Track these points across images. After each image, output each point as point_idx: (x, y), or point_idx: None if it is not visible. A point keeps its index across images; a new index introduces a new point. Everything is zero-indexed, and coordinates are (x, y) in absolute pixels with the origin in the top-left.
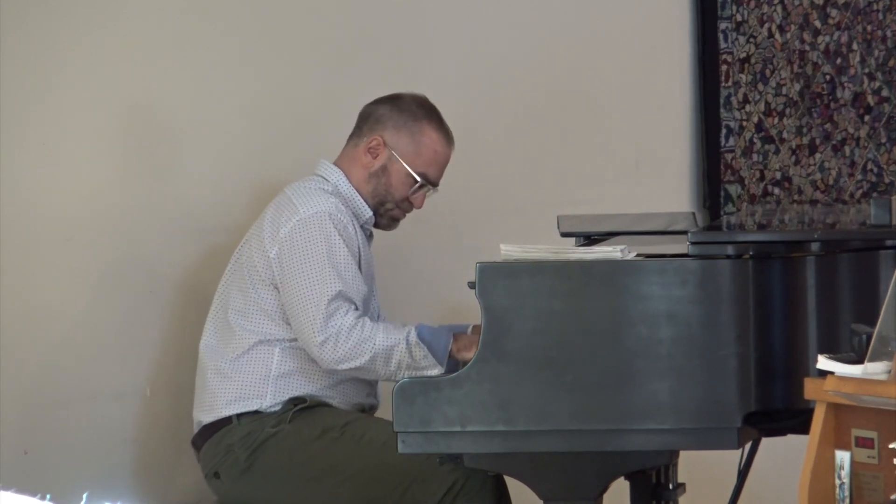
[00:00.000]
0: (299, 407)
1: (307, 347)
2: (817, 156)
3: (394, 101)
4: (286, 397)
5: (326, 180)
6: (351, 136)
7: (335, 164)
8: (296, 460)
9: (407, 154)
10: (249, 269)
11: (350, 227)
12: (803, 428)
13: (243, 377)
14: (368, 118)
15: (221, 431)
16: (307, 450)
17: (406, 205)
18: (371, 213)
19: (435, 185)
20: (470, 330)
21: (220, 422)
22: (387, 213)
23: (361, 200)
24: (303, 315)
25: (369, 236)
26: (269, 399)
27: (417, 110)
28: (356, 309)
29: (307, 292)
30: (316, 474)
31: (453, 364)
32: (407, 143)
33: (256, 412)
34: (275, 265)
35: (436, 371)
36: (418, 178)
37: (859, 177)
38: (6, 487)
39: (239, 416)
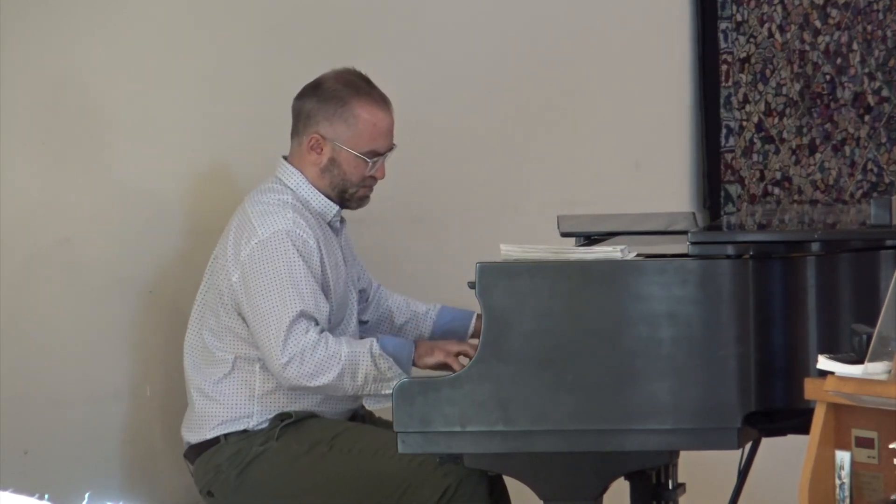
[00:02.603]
0: (286, 423)
1: (272, 370)
2: (817, 156)
3: (316, 91)
4: (273, 414)
5: (287, 186)
6: (292, 136)
7: (290, 162)
8: (286, 476)
9: (348, 140)
10: (218, 293)
11: (311, 240)
12: (803, 428)
13: (229, 399)
14: (300, 116)
15: (210, 451)
16: (297, 465)
17: (369, 181)
18: (337, 208)
19: (389, 150)
20: (474, 319)
21: (207, 442)
22: (353, 196)
23: (324, 198)
24: (265, 336)
25: (340, 222)
26: (255, 418)
27: (342, 92)
28: (316, 324)
29: (268, 314)
30: (308, 488)
31: None
32: (343, 130)
33: (244, 431)
34: (237, 289)
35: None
36: (368, 159)
37: (859, 177)
38: (6, 487)
39: (226, 435)
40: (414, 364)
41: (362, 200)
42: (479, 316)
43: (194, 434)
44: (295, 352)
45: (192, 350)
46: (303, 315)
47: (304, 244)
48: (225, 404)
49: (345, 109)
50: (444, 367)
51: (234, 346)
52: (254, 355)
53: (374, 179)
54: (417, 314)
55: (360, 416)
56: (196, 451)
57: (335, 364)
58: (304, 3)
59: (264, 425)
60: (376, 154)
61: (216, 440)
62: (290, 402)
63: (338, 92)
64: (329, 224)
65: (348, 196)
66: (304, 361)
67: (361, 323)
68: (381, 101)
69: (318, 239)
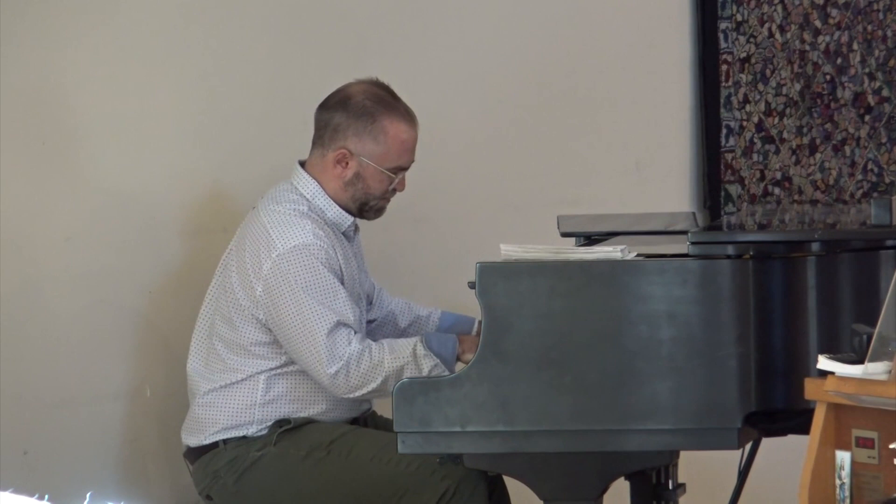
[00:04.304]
0: (284, 428)
1: (318, 380)
2: (817, 156)
3: (345, 105)
4: (273, 421)
5: (302, 195)
6: (315, 145)
7: (308, 170)
8: (284, 482)
9: (376, 156)
10: (234, 303)
11: (330, 250)
12: (803, 428)
13: (230, 407)
14: (326, 128)
15: (208, 455)
16: (295, 470)
17: (390, 194)
18: (351, 220)
19: (408, 168)
20: (476, 325)
21: (205, 446)
22: (371, 208)
23: (339, 209)
24: (306, 352)
25: (354, 231)
26: (255, 426)
27: (372, 108)
28: (356, 333)
29: (303, 330)
30: (306, 494)
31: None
32: (372, 147)
33: (243, 437)
34: (262, 303)
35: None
36: (393, 175)
37: (859, 177)
38: (6, 487)
39: (225, 441)
40: (458, 358)
41: (380, 212)
42: (480, 322)
43: (193, 438)
44: (341, 364)
45: (199, 354)
46: (341, 324)
47: (325, 255)
48: (226, 411)
49: (374, 126)
50: None
51: (245, 361)
52: (264, 367)
53: (394, 192)
54: (421, 317)
55: (361, 420)
56: (195, 454)
57: (380, 373)
58: (304, 5)
59: (263, 432)
60: (401, 169)
61: (215, 445)
62: (292, 412)
63: (368, 108)
64: (343, 233)
65: (367, 208)
66: (350, 373)
67: (368, 322)
68: (408, 116)
69: (335, 249)
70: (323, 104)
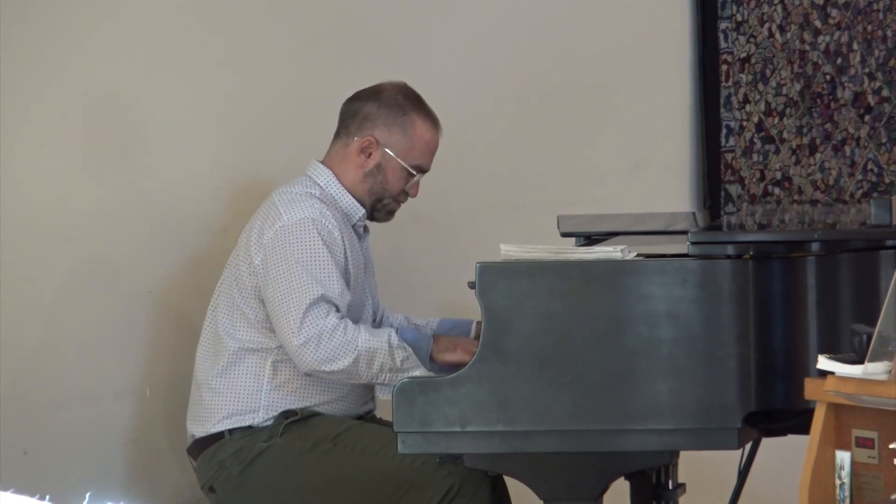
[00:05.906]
0: (291, 420)
1: (288, 350)
2: (817, 156)
3: (377, 96)
4: (279, 411)
5: (316, 183)
6: (338, 136)
7: (324, 163)
8: (289, 474)
9: (401, 150)
10: (237, 278)
11: (336, 232)
12: (803, 428)
13: (235, 392)
14: (355, 117)
15: (213, 446)
16: (300, 463)
17: (403, 196)
18: (363, 212)
19: (426, 171)
20: (474, 327)
21: (211, 436)
22: (384, 207)
23: (353, 200)
24: (282, 317)
25: (364, 230)
26: (261, 414)
27: (404, 102)
28: (337, 310)
29: (286, 295)
30: (311, 486)
31: (436, 368)
32: (400, 139)
33: (249, 427)
34: (259, 272)
35: (417, 373)
36: (414, 172)
37: (859, 177)
38: (6, 487)
39: (231, 431)
40: (431, 358)
41: (390, 214)
42: (478, 323)
43: (199, 426)
44: (312, 334)
45: (207, 340)
46: (324, 299)
47: (329, 234)
48: (231, 397)
49: (405, 119)
50: (461, 365)
51: (242, 332)
52: (259, 346)
53: (406, 196)
54: (419, 327)
55: (365, 415)
56: (200, 447)
57: (351, 351)
58: (309, 10)
59: (269, 422)
60: (420, 170)
61: (220, 435)
62: (297, 400)
63: (400, 101)
64: (353, 227)
65: (380, 206)
66: (321, 345)
67: None
68: (435, 121)
69: (342, 234)
70: (352, 97)
